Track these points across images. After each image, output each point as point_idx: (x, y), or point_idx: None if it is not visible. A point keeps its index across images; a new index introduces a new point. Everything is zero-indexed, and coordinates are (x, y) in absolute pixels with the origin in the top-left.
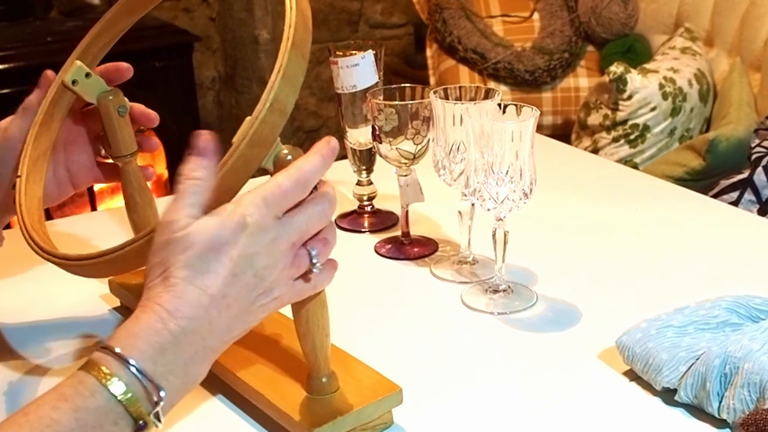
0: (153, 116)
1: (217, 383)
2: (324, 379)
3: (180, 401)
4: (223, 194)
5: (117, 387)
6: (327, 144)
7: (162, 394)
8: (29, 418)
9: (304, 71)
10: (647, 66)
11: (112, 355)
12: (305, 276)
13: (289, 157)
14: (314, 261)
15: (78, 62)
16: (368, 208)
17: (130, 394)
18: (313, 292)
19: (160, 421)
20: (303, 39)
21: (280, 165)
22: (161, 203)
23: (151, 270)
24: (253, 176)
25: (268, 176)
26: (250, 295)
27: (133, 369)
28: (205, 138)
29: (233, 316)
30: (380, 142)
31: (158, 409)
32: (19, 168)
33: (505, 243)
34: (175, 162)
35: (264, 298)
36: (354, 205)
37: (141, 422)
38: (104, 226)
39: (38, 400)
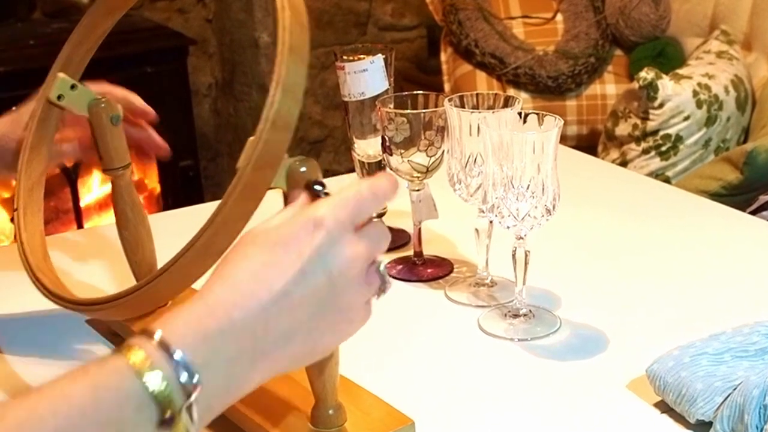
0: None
1: None
2: (331, 411)
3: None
4: (233, 223)
5: (138, 358)
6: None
7: (196, 382)
8: (42, 387)
9: (305, 77)
10: (680, 71)
11: (142, 333)
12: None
13: (303, 169)
14: (384, 276)
15: (61, 75)
16: None
17: (160, 376)
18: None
19: (193, 419)
20: (300, 41)
21: (294, 179)
22: (154, 220)
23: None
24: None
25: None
26: (319, 303)
27: (159, 343)
28: None
29: (296, 322)
30: (391, 154)
31: (191, 401)
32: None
33: (525, 263)
34: (168, 175)
35: (336, 313)
36: None
37: (168, 413)
38: (91, 245)
39: (63, 373)
